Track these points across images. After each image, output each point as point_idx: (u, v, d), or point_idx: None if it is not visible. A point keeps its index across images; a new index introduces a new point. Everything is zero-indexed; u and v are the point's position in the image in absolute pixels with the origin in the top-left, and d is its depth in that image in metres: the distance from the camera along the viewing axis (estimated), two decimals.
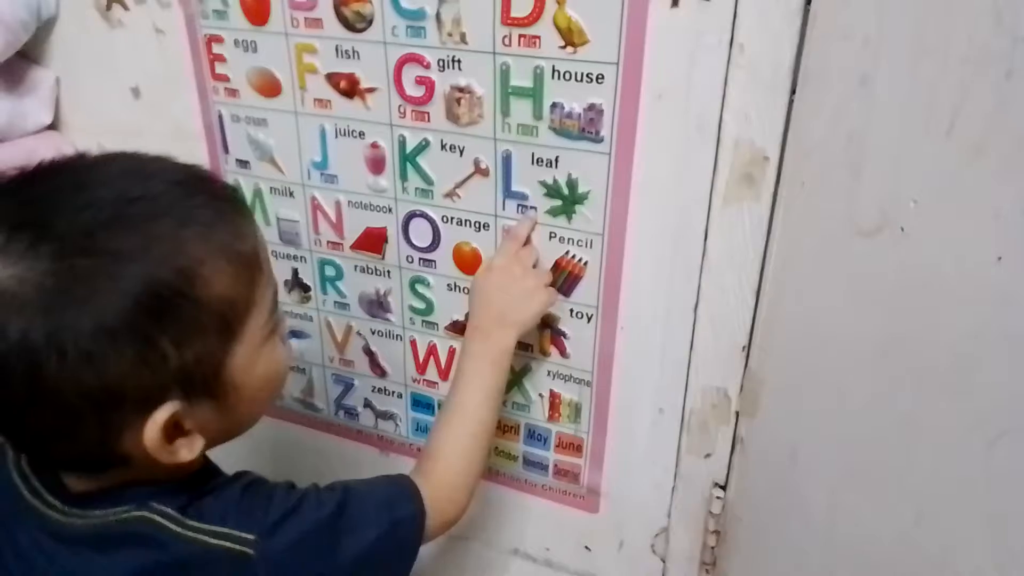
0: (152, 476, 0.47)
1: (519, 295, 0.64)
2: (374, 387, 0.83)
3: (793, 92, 0.53)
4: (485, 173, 0.66)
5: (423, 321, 0.76)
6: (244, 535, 0.47)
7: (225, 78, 0.72)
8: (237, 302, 0.46)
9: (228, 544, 0.46)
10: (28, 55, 0.79)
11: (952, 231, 0.43)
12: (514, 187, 0.66)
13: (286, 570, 0.48)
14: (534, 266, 0.66)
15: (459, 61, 0.62)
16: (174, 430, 0.45)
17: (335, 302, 0.79)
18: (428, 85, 0.64)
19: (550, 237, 0.67)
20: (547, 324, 0.71)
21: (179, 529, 0.46)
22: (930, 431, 0.44)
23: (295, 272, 0.80)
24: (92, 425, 0.43)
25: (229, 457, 0.74)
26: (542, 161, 0.64)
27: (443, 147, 0.67)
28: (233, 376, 0.46)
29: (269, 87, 0.71)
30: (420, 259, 0.73)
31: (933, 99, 0.41)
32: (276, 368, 0.51)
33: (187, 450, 0.46)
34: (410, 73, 0.64)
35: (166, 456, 0.45)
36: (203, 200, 0.46)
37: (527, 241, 0.66)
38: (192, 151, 0.78)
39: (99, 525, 0.46)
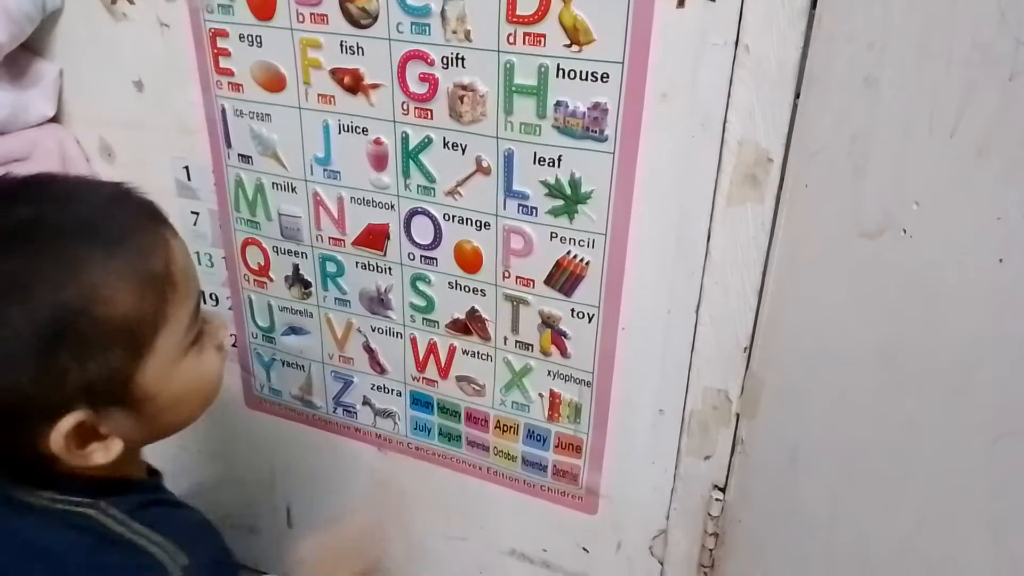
0: (107, 472, 0.49)
1: (345, 554, 0.65)
2: (373, 385, 0.83)
3: (798, 93, 0.53)
4: (487, 172, 0.66)
5: (424, 319, 0.76)
6: (181, 553, 0.49)
7: (229, 72, 0.72)
8: (144, 319, 0.47)
9: (160, 551, 0.49)
10: (32, 47, 0.79)
11: (954, 233, 0.43)
12: (515, 186, 0.66)
13: None
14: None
15: (463, 58, 0.62)
16: (88, 434, 0.47)
17: (336, 298, 0.79)
18: (432, 82, 0.64)
19: (551, 237, 0.66)
20: (548, 324, 0.71)
21: (122, 529, 0.49)
22: (932, 433, 0.44)
23: (296, 268, 0.79)
24: (5, 433, 0.46)
25: (225, 452, 0.74)
26: (544, 160, 0.64)
27: (445, 145, 0.67)
28: (146, 387, 0.48)
29: (273, 82, 0.70)
30: (421, 256, 0.73)
31: (937, 101, 0.41)
32: (200, 378, 0.53)
33: (102, 454, 0.48)
34: (414, 70, 0.64)
35: (78, 460, 0.47)
36: (112, 221, 0.48)
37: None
38: (194, 145, 0.78)
39: (50, 507, 0.49)
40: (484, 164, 0.66)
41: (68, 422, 0.45)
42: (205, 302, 0.87)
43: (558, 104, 0.61)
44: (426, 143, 0.67)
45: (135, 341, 0.47)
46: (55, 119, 0.82)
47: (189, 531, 0.52)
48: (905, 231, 0.45)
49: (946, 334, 0.43)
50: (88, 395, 0.46)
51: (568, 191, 0.64)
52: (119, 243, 0.47)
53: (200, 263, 0.85)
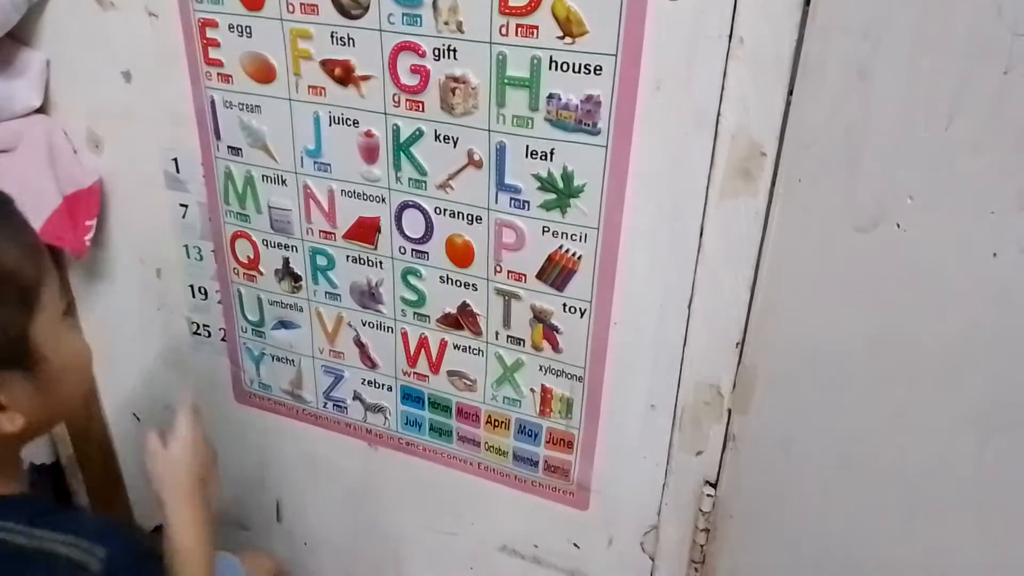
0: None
1: (183, 456, 0.68)
2: (364, 379, 0.82)
3: (792, 86, 0.53)
4: (478, 165, 0.66)
5: (415, 313, 0.76)
6: (95, 547, 0.50)
7: (218, 63, 0.71)
8: (28, 275, 0.51)
9: (76, 554, 0.49)
10: (18, 36, 0.78)
11: (949, 227, 0.42)
12: (507, 180, 0.65)
13: None
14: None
15: (455, 50, 0.62)
16: None
17: (326, 292, 0.79)
18: (423, 74, 0.64)
19: (543, 231, 0.66)
20: (540, 319, 0.70)
21: (26, 540, 0.49)
22: (924, 427, 0.44)
23: (286, 261, 0.79)
24: None
25: (214, 446, 0.73)
26: (537, 153, 0.63)
27: (437, 137, 0.66)
28: (39, 347, 0.52)
29: (263, 73, 0.70)
30: (413, 250, 0.72)
31: (932, 93, 0.41)
32: (78, 348, 0.57)
33: (8, 422, 0.51)
34: (405, 61, 0.64)
35: None
36: None
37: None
38: (183, 137, 0.77)
39: None
40: (476, 157, 0.65)
41: None
42: (194, 295, 0.87)
43: (551, 96, 0.60)
44: (417, 135, 0.67)
45: (25, 295, 0.51)
46: (42, 109, 0.81)
47: (95, 525, 0.53)
48: (899, 225, 0.45)
49: (939, 328, 0.42)
50: None
51: (560, 185, 0.63)
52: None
53: (189, 256, 0.84)
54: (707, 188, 0.59)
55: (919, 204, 0.43)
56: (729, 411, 0.66)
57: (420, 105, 0.65)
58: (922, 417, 0.44)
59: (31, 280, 0.51)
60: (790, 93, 0.54)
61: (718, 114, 0.56)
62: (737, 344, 0.63)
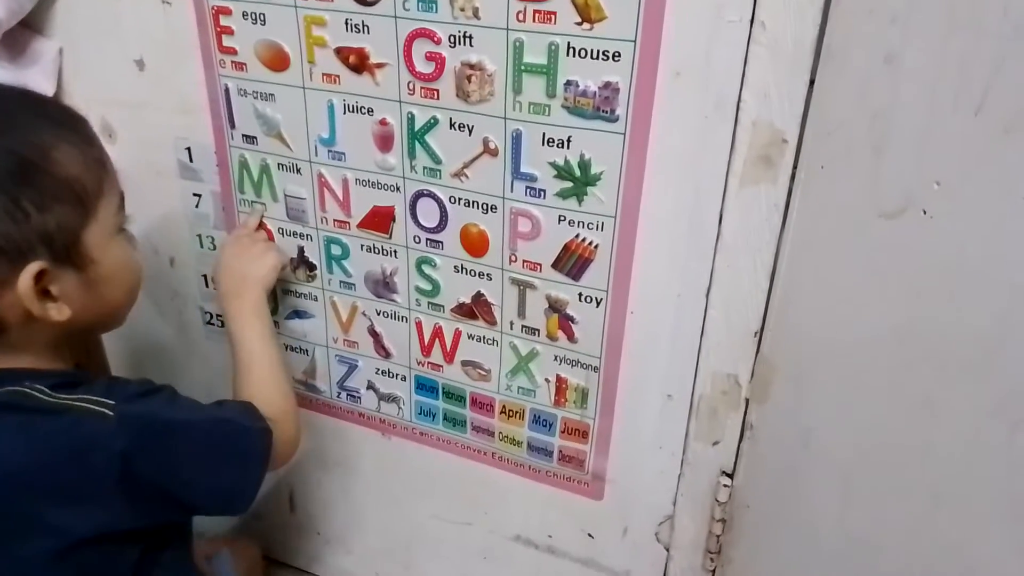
0: (32, 365, 0.58)
1: (251, 260, 0.74)
2: (378, 369, 0.82)
3: (814, 71, 0.52)
4: (494, 153, 0.65)
5: (429, 303, 0.75)
6: (105, 401, 0.56)
7: (232, 51, 0.71)
8: (88, 185, 0.57)
9: (90, 406, 0.56)
10: (31, 25, 0.78)
11: (977, 213, 0.42)
12: (523, 168, 0.65)
13: (137, 433, 0.56)
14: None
15: (471, 37, 0.61)
16: (43, 294, 0.55)
17: (341, 281, 0.78)
18: (439, 61, 0.63)
19: (559, 220, 0.66)
20: (555, 308, 0.70)
21: (47, 398, 0.56)
22: (950, 416, 0.43)
23: (301, 250, 0.79)
24: None
25: None
26: (553, 141, 0.62)
27: (452, 125, 0.65)
28: (90, 250, 0.57)
29: (277, 60, 0.69)
30: (427, 239, 0.72)
31: (963, 77, 0.40)
32: (129, 259, 0.62)
33: (56, 311, 0.56)
34: (420, 48, 0.63)
35: (38, 310, 0.55)
36: (60, 110, 0.62)
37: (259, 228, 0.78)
38: (197, 125, 0.77)
39: None
40: (491, 145, 0.65)
41: (33, 267, 0.53)
42: (207, 285, 0.87)
43: (568, 83, 0.59)
44: (432, 123, 0.66)
45: (82, 202, 0.56)
46: (55, 98, 0.81)
47: (103, 387, 0.59)
48: (925, 211, 0.44)
49: (966, 316, 0.42)
50: (47, 244, 0.54)
51: (577, 173, 0.63)
52: (65, 124, 0.58)
53: (202, 245, 0.84)
54: (726, 176, 0.59)
55: (946, 190, 0.43)
56: (747, 401, 0.66)
57: (435, 93, 0.64)
58: (949, 407, 0.43)
59: (92, 190, 0.57)
60: (812, 79, 0.53)
61: (738, 100, 0.56)
62: (755, 333, 0.63)
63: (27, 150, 0.54)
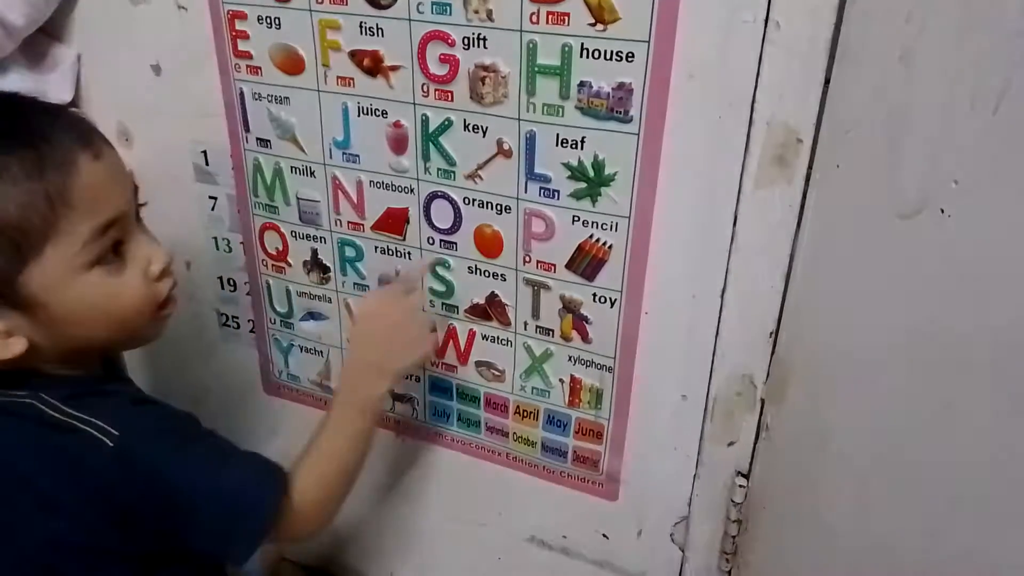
0: (53, 371, 0.56)
1: (400, 344, 0.67)
2: None
3: (829, 71, 0.52)
4: (508, 154, 0.65)
5: (443, 304, 0.76)
6: (110, 429, 0.54)
7: (247, 55, 0.71)
8: (28, 227, 0.50)
9: (91, 431, 0.54)
10: (50, 32, 0.79)
11: (996, 212, 0.41)
12: (537, 169, 0.65)
13: (130, 470, 0.54)
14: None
15: (484, 39, 0.61)
16: None
17: (354, 283, 0.79)
18: (452, 63, 0.63)
19: (573, 221, 0.66)
20: (569, 309, 0.70)
21: (54, 413, 0.54)
22: (970, 419, 0.43)
23: (314, 253, 0.79)
24: None
25: (242, 437, 0.74)
26: (567, 142, 0.63)
27: (466, 127, 0.66)
28: (33, 293, 0.52)
29: (292, 64, 0.70)
30: (441, 241, 0.72)
31: (980, 75, 0.40)
32: (108, 297, 0.55)
33: (1, 348, 0.53)
34: (434, 51, 0.64)
35: None
36: (17, 133, 0.52)
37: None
38: (212, 129, 0.77)
39: None
40: (505, 146, 0.65)
41: None
42: (223, 287, 0.87)
43: (582, 84, 0.60)
44: (446, 125, 0.66)
45: (16, 245, 0.51)
46: (73, 104, 0.82)
47: (115, 412, 0.56)
48: (943, 211, 0.43)
49: (986, 317, 0.41)
50: None
51: (591, 173, 0.63)
52: (16, 153, 0.50)
53: (218, 248, 0.85)
54: (741, 176, 0.58)
55: (965, 188, 0.42)
56: (762, 401, 0.66)
57: (449, 95, 0.65)
58: (968, 409, 0.43)
59: (32, 234, 0.51)
60: (827, 78, 0.53)
61: (753, 101, 0.56)
62: (771, 334, 0.63)
63: None
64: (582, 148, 0.62)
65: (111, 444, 0.54)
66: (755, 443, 0.68)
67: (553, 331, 0.72)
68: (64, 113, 0.57)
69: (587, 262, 0.67)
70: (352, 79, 0.68)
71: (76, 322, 0.55)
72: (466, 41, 0.62)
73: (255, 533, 0.59)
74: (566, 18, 0.58)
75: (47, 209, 0.51)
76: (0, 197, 0.50)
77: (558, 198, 0.65)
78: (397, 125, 0.68)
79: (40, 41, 0.78)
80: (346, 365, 0.68)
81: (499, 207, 0.68)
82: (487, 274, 0.72)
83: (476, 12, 0.60)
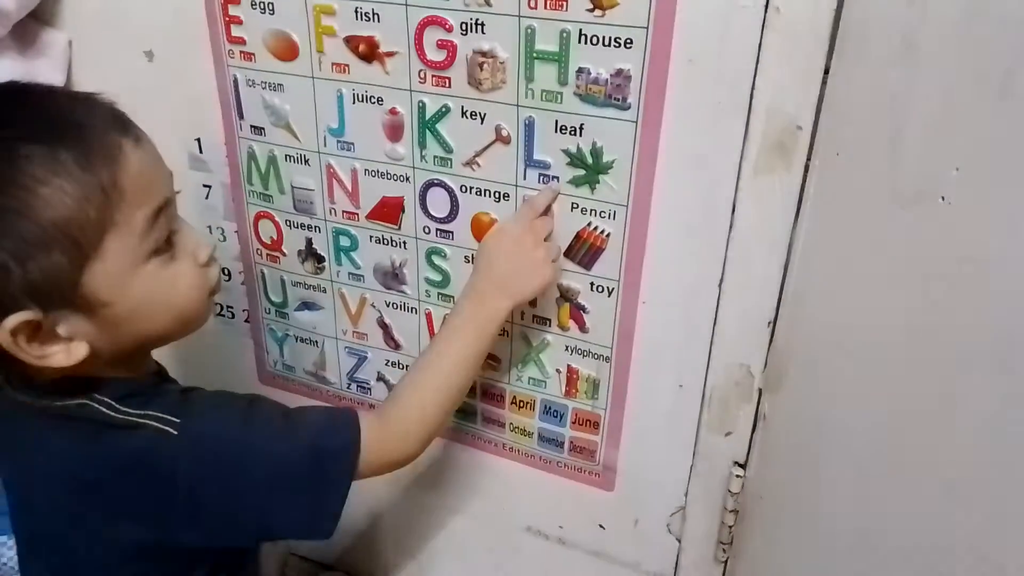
0: (105, 373, 0.54)
1: (525, 266, 0.64)
2: (388, 360, 0.82)
3: (830, 56, 0.51)
4: (506, 141, 0.65)
5: (439, 293, 0.75)
6: (170, 418, 0.53)
7: (241, 41, 0.70)
8: (86, 222, 0.48)
9: (154, 423, 0.53)
10: (40, 16, 0.78)
11: (998, 200, 0.41)
12: (536, 156, 0.64)
13: (201, 454, 0.53)
14: (547, 239, 0.65)
15: (482, 24, 0.61)
16: (47, 336, 0.49)
17: (349, 273, 0.78)
18: (450, 49, 0.63)
19: (572, 208, 0.65)
20: (566, 298, 0.69)
21: (112, 413, 0.53)
22: (969, 408, 0.43)
23: (309, 242, 0.78)
24: None
25: None
26: (566, 129, 0.62)
27: (463, 114, 0.65)
28: (97, 292, 0.49)
29: (286, 50, 0.69)
30: (437, 230, 0.72)
31: (984, 61, 0.40)
32: (168, 288, 0.53)
33: (63, 355, 0.50)
34: (431, 36, 0.63)
35: (35, 360, 0.49)
36: (62, 124, 0.49)
37: (546, 212, 0.65)
38: (206, 117, 0.76)
39: (54, 408, 0.53)
40: (503, 133, 0.64)
41: (12, 321, 0.47)
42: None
43: (580, 71, 0.59)
44: (443, 112, 0.66)
45: (77, 243, 0.48)
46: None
47: (171, 401, 0.55)
48: (944, 198, 0.43)
49: (987, 306, 0.41)
50: (33, 296, 0.47)
51: (590, 160, 0.62)
52: (64, 145, 0.47)
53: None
54: (740, 163, 0.58)
55: (966, 176, 0.42)
56: (760, 391, 0.65)
57: (447, 81, 0.64)
58: (967, 399, 0.43)
59: (90, 230, 0.48)
60: (828, 65, 0.52)
61: (752, 87, 0.55)
62: (769, 323, 0.62)
63: (6, 196, 0.46)
64: (581, 135, 0.62)
65: (175, 432, 0.52)
66: (752, 433, 0.67)
67: (550, 320, 0.71)
68: (95, 99, 0.53)
69: (585, 250, 0.66)
70: (347, 65, 0.67)
71: (139, 318, 0.52)
72: (464, 26, 0.61)
73: (344, 475, 0.57)
74: (564, 3, 0.57)
75: (103, 202, 0.48)
76: (55, 193, 0.46)
77: (557, 185, 0.65)
78: (393, 112, 0.68)
79: (30, 26, 0.77)
80: (469, 283, 0.65)
81: (497, 194, 0.68)
82: None
83: None
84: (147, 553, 0.56)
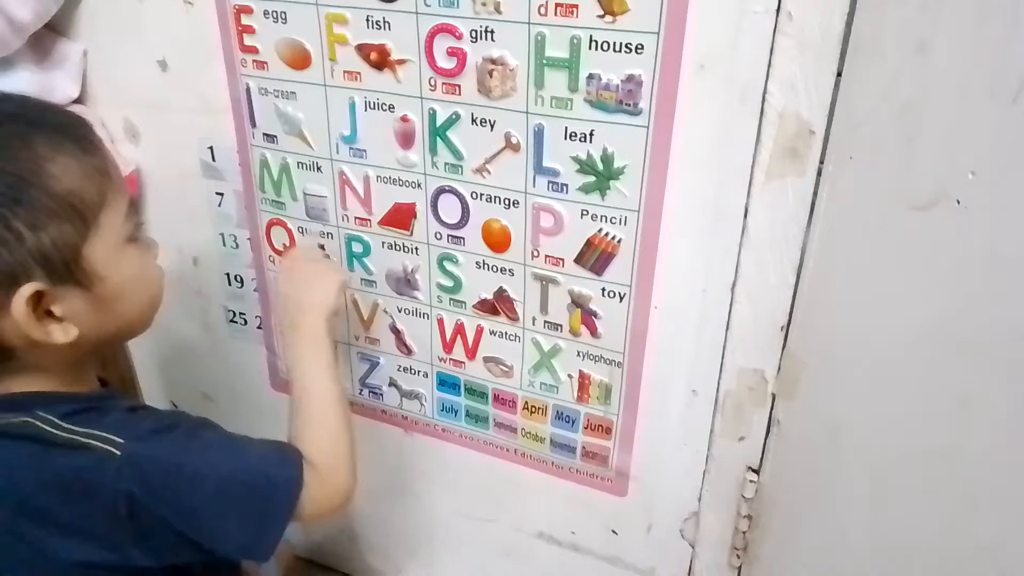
0: (48, 388, 0.55)
1: (309, 280, 0.69)
2: (400, 366, 0.82)
3: (842, 60, 0.51)
4: (516, 148, 0.65)
5: (451, 299, 0.75)
6: (114, 438, 0.53)
7: (254, 50, 0.71)
8: (87, 197, 0.53)
9: (97, 443, 0.53)
10: (56, 28, 0.79)
11: (1013, 203, 0.41)
12: (546, 163, 0.64)
13: (146, 474, 0.54)
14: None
15: (492, 32, 0.61)
16: (46, 314, 0.52)
17: (362, 279, 0.79)
18: (460, 56, 0.63)
19: (582, 215, 0.65)
20: (578, 303, 0.69)
21: (55, 431, 0.53)
22: (987, 412, 0.42)
23: (321, 248, 0.79)
24: None
25: (251, 434, 0.73)
26: (576, 135, 0.62)
27: (474, 121, 0.65)
28: (95, 266, 0.53)
29: (298, 59, 0.69)
30: (449, 236, 0.72)
31: (998, 64, 0.39)
32: (143, 271, 0.58)
33: (61, 333, 0.53)
34: (442, 44, 0.63)
35: (39, 334, 0.52)
36: (58, 116, 0.56)
37: None
38: (219, 125, 0.77)
39: None
40: (513, 140, 0.64)
41: (28, 289, 0.50)
42: (230, 283, 0.87)
43: (591, 77, 0.59)
44: (454, 119, 0.66)
45: (82, 216, 0.52)
46: (79, 100, 0.82)
47: (116, 420, 0.56)
48: (959, 202, 0.43)
49: (1003, 310, 0.41)
50: (43, 264, 0.51)
51: (600, 167, 0.62)
52: (64, 134, 0.53)
53: (225, 244, 0.85)
54: (752, 168, 0.58)
55: (981, 179, 0.42)
56: (773, 396, 0.65)
57: (457, 88, 0.64)
58: (984, 404, 0.42)
59: (92, 201, 0.53)
60: (840, 69, 0.52)
61: (764, 92, 0.55)
62: (782, 328, 0.62)
63: (18, 166, 0.50)
64: (591, 141, 0.62)
65: (119, 453, 0.53)
66: (766, 438, 0.67)
67: (562, 326, 0.71)
68: (57, 106, 0.61)
69: (596, 256, 0.66)
70: (359, 73, 0.68)
71: (123, 298, 0.56)
72: (474, 34, 0.61)
73: (286, 506, 0.58)
74: (575, 10, 0.57)
75: (100, 180, 0.54)
76: (64, 170, 0.52)
77: (567, 192, 0.65)
78: (404, 119, 0.68)
79: (46, 37, 0.78)
80: (279, 323, 0.71)
81: (507, 201, 0.68)
82: (495, 269, 0.71)
83: (484, 5, 0.60)
84: (94, 573, 0.56)
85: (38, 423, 0.53)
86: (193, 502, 0.55)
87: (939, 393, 0.45)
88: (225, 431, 0.60)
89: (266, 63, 0.71)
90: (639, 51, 0.57)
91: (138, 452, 0.53)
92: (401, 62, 0.65)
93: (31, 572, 0.56)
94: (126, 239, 0.56)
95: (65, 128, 0.54)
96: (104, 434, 0.53)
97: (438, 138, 0.67)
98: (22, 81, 0.76)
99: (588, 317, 0.70)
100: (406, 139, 0.69)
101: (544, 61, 0.60)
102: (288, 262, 0.74)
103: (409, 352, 0.81)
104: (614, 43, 0.57)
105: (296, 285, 0.69)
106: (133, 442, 0.54)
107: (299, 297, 0.68)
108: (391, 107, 0.68)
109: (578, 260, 0.67)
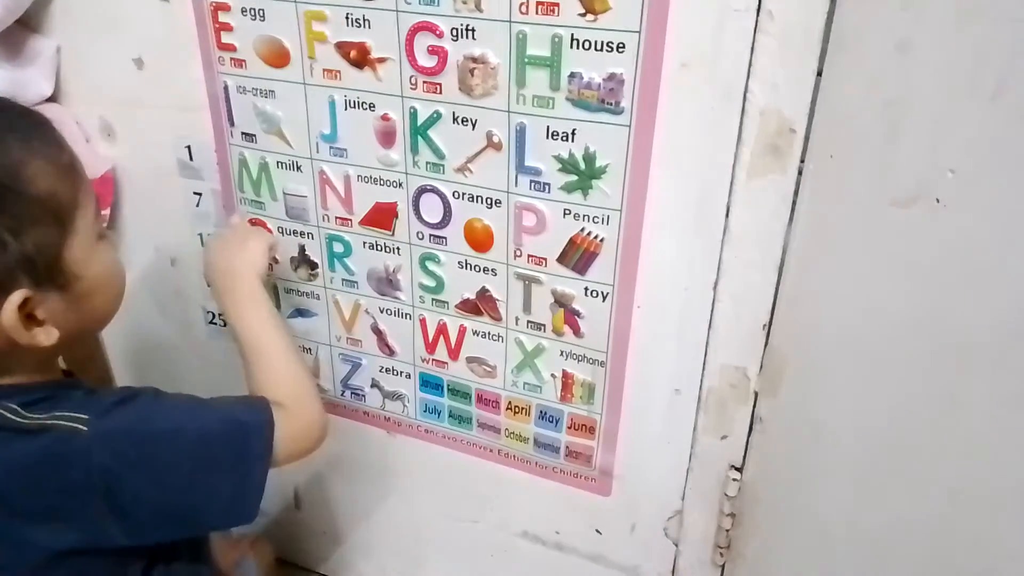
0: (13, 381, 0.55)
1: (237, 243, 0.70)
2: (382, 367, 0.81)
3: (823, 59, 0.51)
4: (498, 147, 0.64)
5: (433, 299, 0.75)
6: (79, 415, 0.53)
7: (231, 47, 0.70)
8: (63, 198, 0.52)
9: (63, 423, 0.53)
10: (29, 23, 0.77)
11: (992, 201, 0.41)
12: (528, 162, 0.64)
13: (117, 447, 0.53)
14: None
15: (473, 30, 0.60)
16: (28, 320, 0.51)
17: (343, 279, 0.78)
18: (441, 55, 0.62)
19: (564, 214, 0.65)
20: (561, 303, 0.69)
21: (19, 419, 0.53)
22: (968, 409, 0.43)
23: (302, 249, 0.78)
24: None
25: None
26: (558, 134, 0.62)
27: (455, 120, 0.65)
28: (72, 267, 0.53)
29: (277, 57, 0.68)
30: (431, 235, 0.71)
31: (978, 62, 0.40)
32: (112, 266, 0.58)
33: (45, 336, 0.53)
34: (422, 42, 0.63)
35: (26, 338, 0.51)
36: (24, 119, 0.55)
37: None
38: (196, 124, 0.76)
39: None
40: (495, 139, 0.64)
41: (17, 296, 0.50)
42: (209, 284, 0.86)
43: (572, 76, 0.59)
44: (435, 118, 0.65)
45: (59, 218, 0.52)
46: (53, 98, 0.80)
47: (77, 401, 0.55)
48: (939, 200, 0.43)
49: (983, 306, 0.41)
50: (28, 270, 0.50)
51: (582, 166, 0.62)
52: (33, 133, 0.53)
53: (203, 244, 0.84)
54: (734, 167, 0.58)
55: (961, 177, 0.42)
56: (756, 394, 0.65)
57: (438, 87, 0.64)
58: (966, 400, 0.43)
59: (67, 202, 0.53)
60: (821, 68, 0.52)
61: (746, 90, 0.55)
62: (764, 326, 0.62)
63: None
64: (573, 140, 0.61)
65: (86, 429, 0.52)
66: (749, 436, 0.67)
67: (545, 326, 0.71)
68: (16, 104, 0.58)
69: (579, 256, 0.66)
70: (339, 72, 0.67)
71: (96, 295, 0.56)
72: (455, 32, 0.61)
73: (263, 447, 0.57)
74: (556, 8, 0.57)
75: (72, 182, 0.54)
76: (38, 172, 0.51)
77: (549, 191, 0.64)
78: (385, 118, 0.67)
79: (18, 33, 0.77)
80: (212, 290, 0.70)
81: (489, 201, 0.67)
82: (478, 269, 0.71)
83: (464, 3, 0.59)
84: (72, 557, 0.55)
85: (0, 412, 0.53)
86: (170, 462, 0.55)
87: (921, 390, 0.46)
88: (184, 394, 0.60)
89: (244, 61, 0.70)
90: (621, 50, 0.57)
91: (106, 425, 0.53)
92: (381, 60, 0.65)
93: (12, 566, 0.55)
94: (97, 237, 0.56)
95: (34, 129, 0.54)
96: (68, 414, 0.53)
97: (419, 137, 0.67)
98: None
99: (571, 316, 0.69)
100: (387, 138, 0.68)
101: (526, 60, 0.60)
102: (214, 235, 0.75)
103: (391, 353, 0.80)
104: (596, 42, 0.57)
105: (224, 252, 0.69)
106: (99, 417, 0.53)
107: (229, 262, 0.68)
108: (371, 106, 0.67)
109: (561, 259, 0.67)
